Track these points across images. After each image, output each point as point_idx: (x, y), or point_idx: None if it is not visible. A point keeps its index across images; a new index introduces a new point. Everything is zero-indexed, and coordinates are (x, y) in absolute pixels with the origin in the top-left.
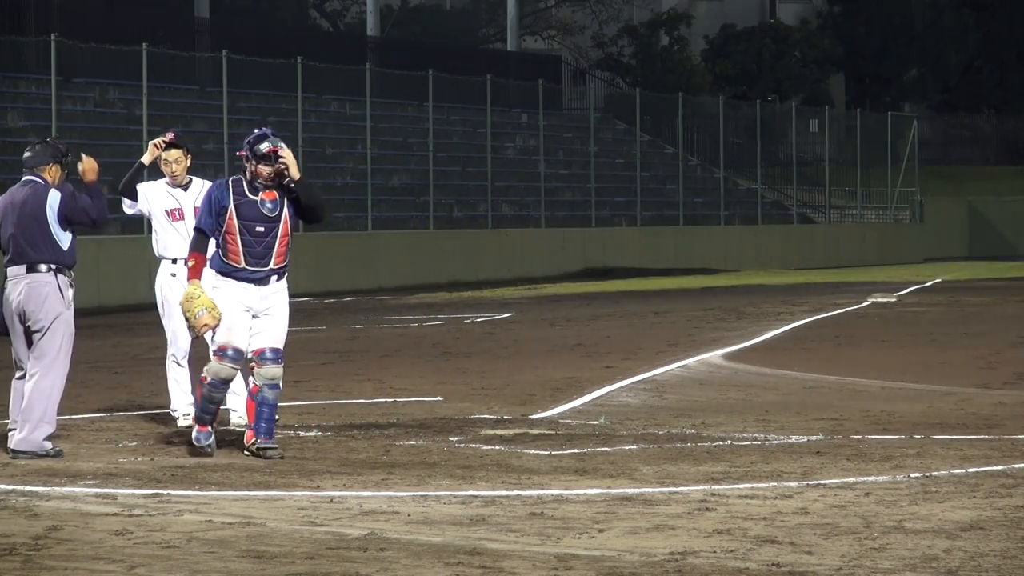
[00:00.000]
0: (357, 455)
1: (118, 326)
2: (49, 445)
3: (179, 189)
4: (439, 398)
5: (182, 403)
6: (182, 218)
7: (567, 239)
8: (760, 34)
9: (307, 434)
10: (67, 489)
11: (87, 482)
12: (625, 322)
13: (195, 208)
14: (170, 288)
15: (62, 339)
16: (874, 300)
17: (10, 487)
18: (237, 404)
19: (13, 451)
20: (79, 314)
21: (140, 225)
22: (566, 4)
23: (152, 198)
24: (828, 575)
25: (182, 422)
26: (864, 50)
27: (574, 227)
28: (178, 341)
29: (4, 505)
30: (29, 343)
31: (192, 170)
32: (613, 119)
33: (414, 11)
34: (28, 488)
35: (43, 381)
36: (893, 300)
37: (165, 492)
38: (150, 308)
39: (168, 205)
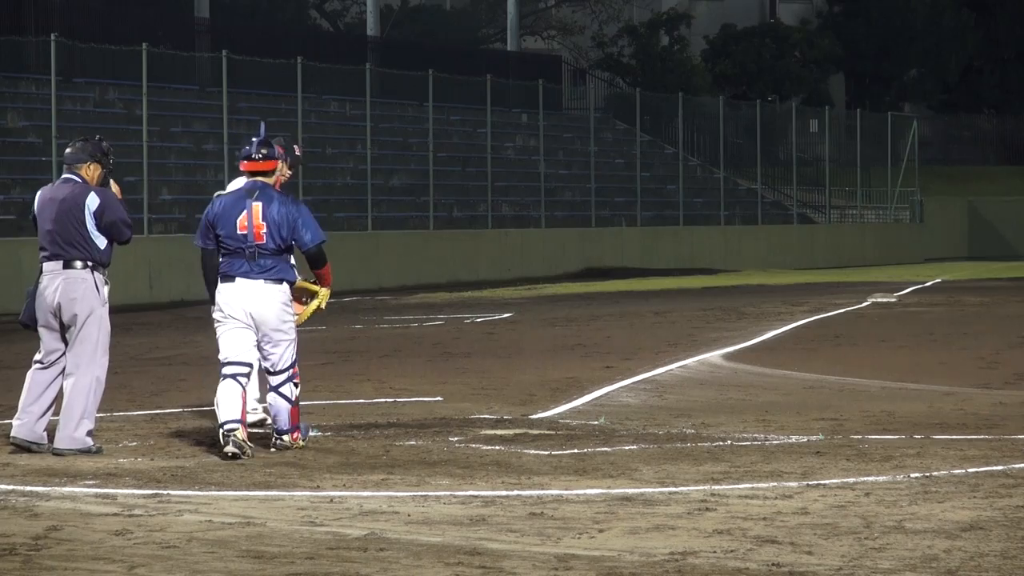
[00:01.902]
0: (357, 455)
1: (118, 326)
2: (91, 441)
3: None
4: (439, 398)
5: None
6: None
7: (567, 239)
8: (760, 34)
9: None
10: (67, 489)
11: (87, 482)
12: (625, 322)
13: None
14: None
15: (98, 335)
16: (874, 300)
17: (10, 487)
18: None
19: (56, 450)
20: None
21: (139, 227)
22: (566, 4)
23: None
24: (828, 575)
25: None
26: (864, 50)
27: (574, 227)
28: None
29: (4, 505)
30: (63, 340)
31: (193, 171)
32: (613, 119)
33: (414, 11)
34: (28, 488)
35: (82, 379)
36: (893, 300)
37: (165, 492)
38: (148, 308)
39: None
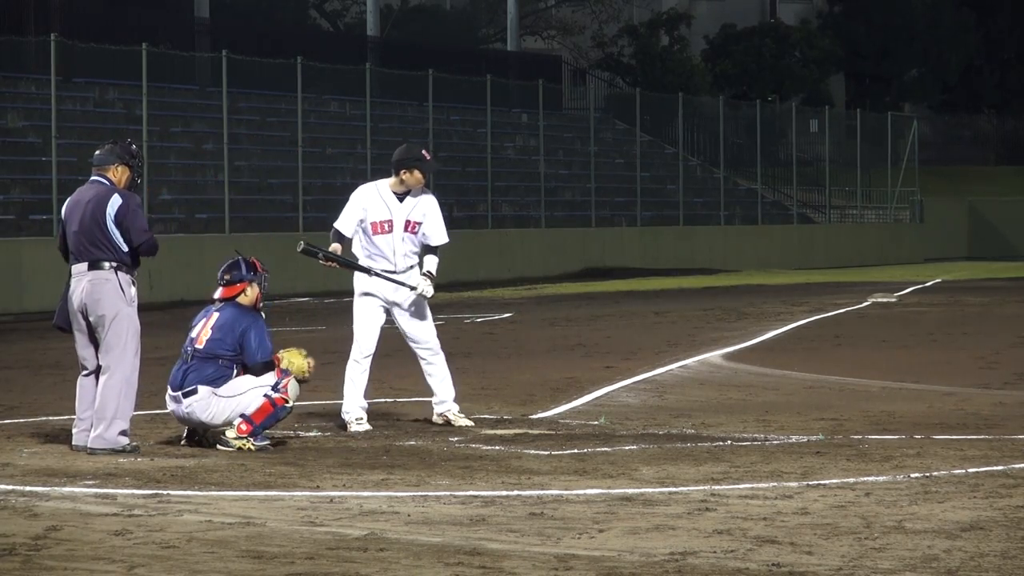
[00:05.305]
0: (357, 455)
1: None
2: (125, 440)
3: (395, 199)
4: None
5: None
6: (389, 231)
7: (567, 239)
8: (760, 34)
9: (307, 434)
10: (67, 489)
11: (87, 482)
12: (625, 322)
13: (406, 221)
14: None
15: (126, 335)
16: (874, 300)
17: (10, 487)
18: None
19: (90, 449)
20: None
21: None
22: (566, 4)
23: (369, 207)
24: (828, 575)
25: (354, 427)
26: (864, 50)
27: (574, 227)
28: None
29: (4, 505)
30: (93, 342)
31: (193, 171)
32: (613, 119)
33: (414, 11)
34: (28, 488)
35: (113, 378)
36: (893, 300)
37: (165, 492)
38: (148, 308)
39: (378, 216)
